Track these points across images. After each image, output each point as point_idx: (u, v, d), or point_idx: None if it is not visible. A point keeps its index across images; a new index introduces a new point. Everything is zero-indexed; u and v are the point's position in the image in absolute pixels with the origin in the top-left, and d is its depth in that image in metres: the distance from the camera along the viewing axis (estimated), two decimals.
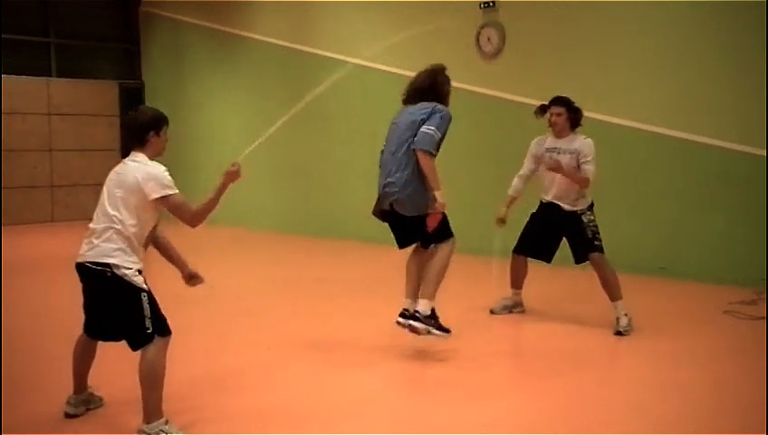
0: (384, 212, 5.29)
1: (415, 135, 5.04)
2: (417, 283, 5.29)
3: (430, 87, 5.21)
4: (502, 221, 6.27)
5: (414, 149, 5.01)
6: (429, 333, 5.11)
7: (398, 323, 5.25)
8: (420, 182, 5.06)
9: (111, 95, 14.98)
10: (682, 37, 7.96)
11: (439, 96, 5.21)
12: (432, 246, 5.25)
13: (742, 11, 7.48)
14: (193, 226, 3.97)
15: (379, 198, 5.30)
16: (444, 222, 5.17)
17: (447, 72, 5.34)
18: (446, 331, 5.18)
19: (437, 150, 5.08)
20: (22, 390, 4.65)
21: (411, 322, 5.13)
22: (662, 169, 8.17)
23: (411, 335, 5.37)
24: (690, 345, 5.64)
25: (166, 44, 14.90)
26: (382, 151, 5.35)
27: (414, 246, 5.43)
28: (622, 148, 8.21)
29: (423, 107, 5.13)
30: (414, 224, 5.18)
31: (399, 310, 5.34)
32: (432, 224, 5.10)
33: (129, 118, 4.08)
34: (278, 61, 12.42)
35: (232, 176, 4.11)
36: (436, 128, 5.00)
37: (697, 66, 7.85)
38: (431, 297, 5.15)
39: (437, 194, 5.02)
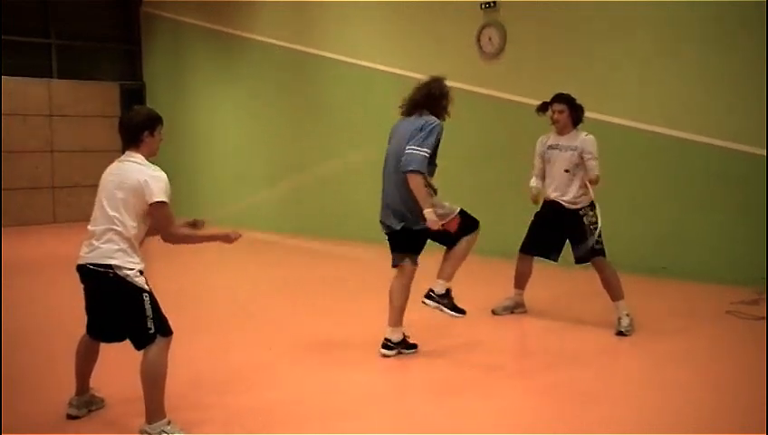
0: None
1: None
2: (402, 311, 5.28)
3: (424, 98, 5.17)
4: (536, 200, 6.30)
5: (400, 169, 5.01)
6: (441, 311, 5.18)
7: (382, 353, 5.25)
8: (414, 201, 5.04)
9: (112, 96, 14.99)
10: (682, 37, 7.96)
11: (434, 107, 5.17)
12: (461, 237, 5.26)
13: (742, 11, 7.48)
14: (169, 240, 3.98)
15: (381, 221, 5.31)
16: (464, 218, 5.20)
17: (446, 82, 5.27)
18: (461, 311, 5.23)
19: (430, 164, 5.05)
20: (23, 390, 4.66)
21: (424, 300, 5.19)
22: (662, 168, 8.17)
23: (412, 335, 5.39)
24: (691, 345, 5.65)
25: (167, 45, 14.91)
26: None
27: (396, 271, 5.36)
28: (623, 147, 8.21)
29: (418, 121, 5.09)
30: (405, 237, 5.19)
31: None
32: (453, 227, 5.14)
33: (124, 118, 4.08)
34: (279, 61, 12.43)
35: (227, 239, 4.12)
36: (420, 146, 4.95)
37: (698, 66, 7.85)
38: (448, 278, 5.22)
39: (426, 212, 4.98)
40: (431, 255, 5.38)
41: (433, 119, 5.09)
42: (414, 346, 5.34)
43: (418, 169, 4.94)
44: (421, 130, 5.01)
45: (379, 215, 5.33)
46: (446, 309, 5.18)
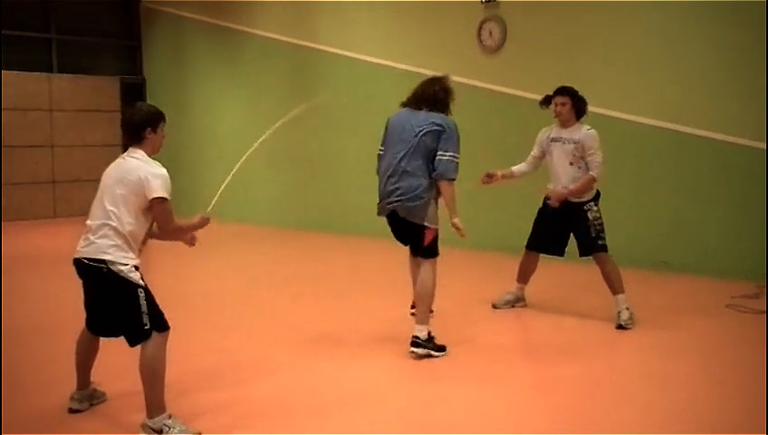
0: (387, 214, 5.33)
1: (427, 146, 5.07)
2: (431, 306, 5.31)
3: (435, 95, 5.23)
4: (488, 177, 6.33)
5: (435, 177, 5.08)
6: (429, 356, 5.17)
7: (412, 353, 5.20)
8: (428, 195, 5.11)
9: (113, 91, 14.97)
10: (682, 31, 7.95)
11: (443, 105, 5.25)
12: (419, 257, 5.29)
13: (742, 6, 7.47)
14: (169, 237, 4.03)
15: (380, 202, 5.30)
16: (435, 239, 5.22)
17: (450, 81, 5.38)
18: (443, 349, 5.24)
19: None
20: (25, 385, 4.67)
21: (413, 349, 5.16)
22: (663, 162, 8.17)
23: (411, 329, 5.39)
24: (692, 339, 5.66)
25: (167, 40, 14.90)
26: (380, 154, 5.36)
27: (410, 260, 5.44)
28: (623, 141, 8.20)
29: (431, 117, 5.14)
30: (410, 229, 5.22)
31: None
32: (428, 239, 5.17)
33: (126, 115, 4.09)
34: (280, 56, 12.41)
35: (202, 223, 4.16)
36: (455, 153, 5.08)
37: (698, 59, 7.84)
38: (425, 322, 5.21)
39: (457, 221, 5.10)
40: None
41: (452, 121, 5.17)
42: (443, 348, 5.26)
43: (455, 178, 5.09)
44: (445, 132, 5.08)
45: (379, 205, 5.33)
46: (433, 353, 5.18)
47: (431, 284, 5.22)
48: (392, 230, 5.40)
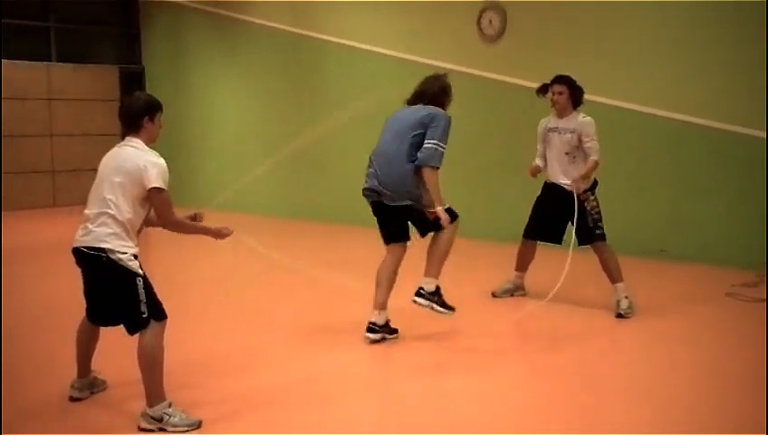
0: (373, 203, 5.33)
1: (416, 136, 5.09)
2: (388, 292, 5.28)
3: (435, 92, 5.29)
4: (537, 169, 6.30)
5: (419, 165, 5.07)
6: (432, 309, 5.18)
7: (368, 338, 5.23)
8: (416, 184, 5.11)
9: (112, 80, 14.93)
10: (682, 20, 7.93)
11: (440, 102, 5.29)
12: (433, 234, 5.28)
13: None
14: (169, 227, 4.02)
15: (366, 189, 5.31)
16: (446, 209, 5.21)
17: (448, 79, 5.43)
18: (450, 308, 5.24)
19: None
20: (26, 374, 4.68)
21: (415, 298, 5.17)
22: (662, 150, 8.17)
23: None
24: (692, 327, 5.67)
25: (166, 29, 14.85)
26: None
27: (386, 249, 5.37)
28: (623, 130, 8.20)
29: (424, 108, 5.20)
30: (403, 215, 5.20)
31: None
32: (431, 217, 5.16)
33: (125, 103, 4.09)
34: (279, 45, 12.37)
35: (219, 235, 4.24)
36: (440, 141, 5.08)
37: (698, 48, 7.82)
38: (436, 275, 5.22)
39: (439, 210, 5.08)
40: (419, 241, 5.38)
41: (443, 112, 5.19)
42: (396, 331, 5.31)
43: (438, 166, 5.07)
44: (434, 120, 5.09)
45: (366, 189, 5.33)
46: (437, 307, 5.19)
47: (448, 244, 5.20)
48: (379, 225, 5.36)
